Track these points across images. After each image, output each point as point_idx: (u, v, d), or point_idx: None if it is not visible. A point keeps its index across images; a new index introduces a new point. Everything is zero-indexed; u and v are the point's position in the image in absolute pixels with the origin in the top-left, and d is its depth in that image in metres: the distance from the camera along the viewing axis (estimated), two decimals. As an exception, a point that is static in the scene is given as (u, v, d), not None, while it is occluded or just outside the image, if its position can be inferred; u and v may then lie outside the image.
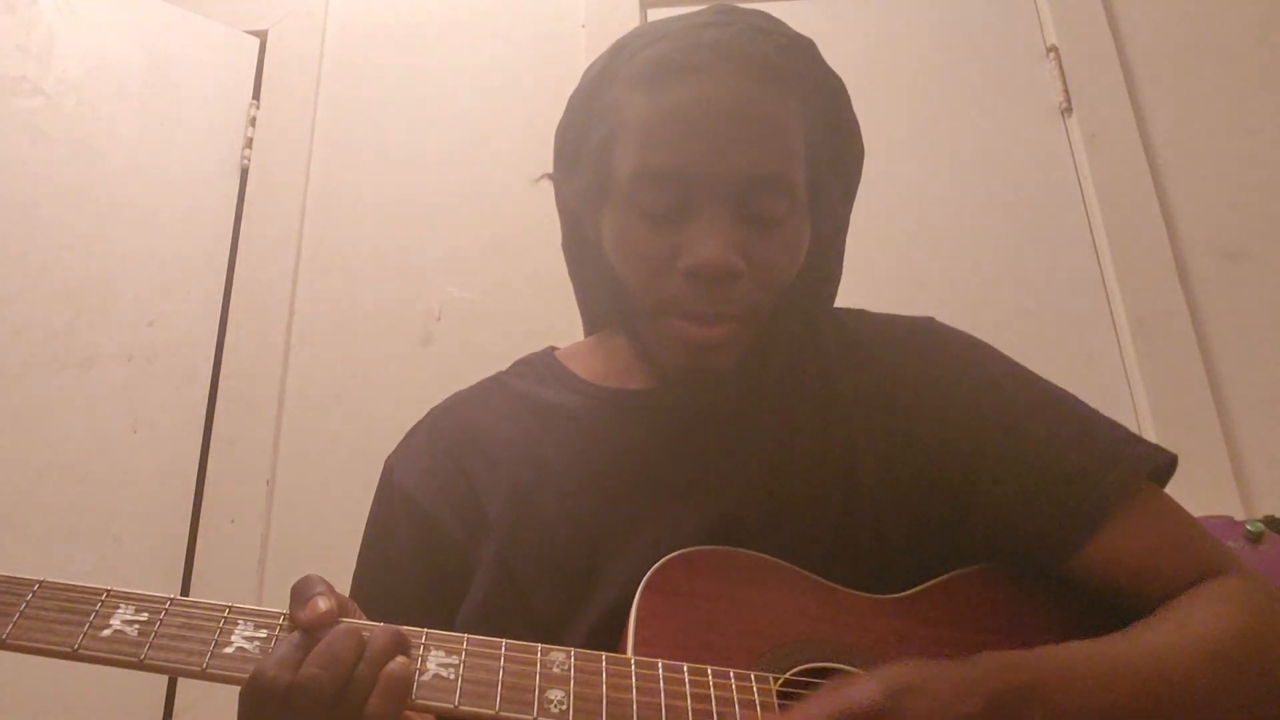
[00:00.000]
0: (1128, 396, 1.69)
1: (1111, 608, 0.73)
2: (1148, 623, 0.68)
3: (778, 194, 0.74)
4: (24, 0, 1.80)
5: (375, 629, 0.61)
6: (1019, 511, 0.75)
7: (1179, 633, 0.66)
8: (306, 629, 0.60)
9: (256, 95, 2.05)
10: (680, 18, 0.79)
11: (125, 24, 1.92)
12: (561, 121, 0.84)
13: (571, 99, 0.83)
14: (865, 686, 0.58)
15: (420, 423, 0.90)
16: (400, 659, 0.59)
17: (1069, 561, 0.74)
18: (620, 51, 0.79)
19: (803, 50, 0.79)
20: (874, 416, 0.80)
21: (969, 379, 0.81)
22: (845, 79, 0.82)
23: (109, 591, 0.61)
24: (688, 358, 0.76)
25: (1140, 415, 1.67)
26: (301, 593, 0.62)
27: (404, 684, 0.59)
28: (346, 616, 0.63)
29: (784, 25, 0.80)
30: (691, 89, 0.73)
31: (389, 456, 0.88)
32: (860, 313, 0.89)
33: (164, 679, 1.62)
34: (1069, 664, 0.62)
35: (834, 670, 0.68)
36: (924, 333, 0.86)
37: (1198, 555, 0.73)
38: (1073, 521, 0.73)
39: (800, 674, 0.67)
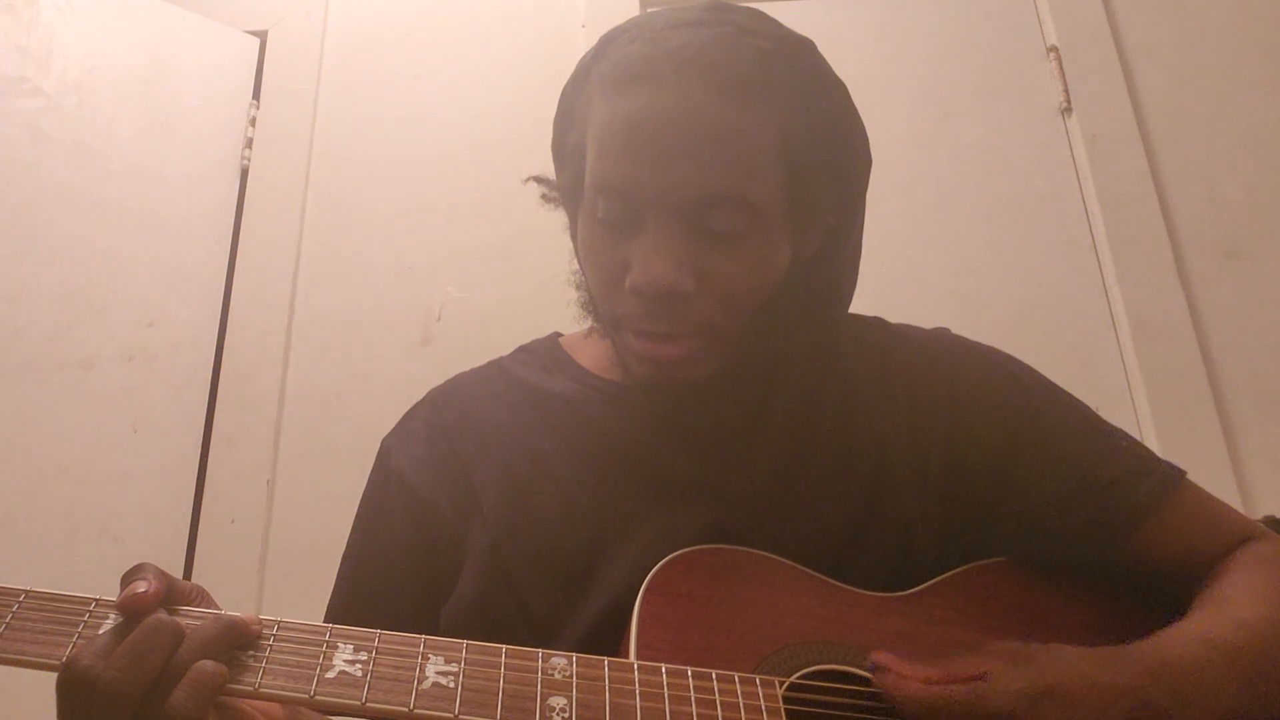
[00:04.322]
0: (1128, 396, 1.69)
1: (1120, 598, 0.76)
2: (1218, 595, 0.72)
3: (733, 212, 0.71)
4: (24, 0, 1.80)
5: (205, 619, 0.60)
6: (1055, 517, 0.77)
7: (1250, 603, 0.69)
8: (122, 612, 0.58)
9: (256, 95, 2.05)
10: (669, 13, 0.75)
11: (125, 24, 1.92)
12: (555, 114, 0.82)
13: (562, 91, 0.81)
14: (1005, 689, 0.59)
15: (419, 404, 0.89)
16: (208, 663, 0.57)
17: (1109, 560, 0.77)
18: (604, 47, 0.76)
19: (789, 55, 0.74)
20: (903, 421, 0.80)
21: (998, 385, 0.82)
22: (845, 79, 0.78)
23: (97, 600, 0.60)
24: (651, 370, 0.75)
25: (1140, 415, 1.67)
26: (126, 578, 0.60)
27: (210, 682, 0.56)
28: (189, 604, 0.61)
29: (775, 26, 0.76)
30: (646, 100, 0.70)
31: (386, 438, 0.87)
32: (878, 321, 0.89)
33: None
34: (1193, 655, 0.64)
35: (840, 673, 0.67)
36: (947, 341, 0.86)
37: (1228, 529, 0.78)
38: (1111, 527, 0.76)
39: (806, 676, 0.66)
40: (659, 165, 0.70)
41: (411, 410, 0.89)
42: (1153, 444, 1.62)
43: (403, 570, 0.80)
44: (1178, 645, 0.65)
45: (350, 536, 0.86)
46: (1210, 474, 1.56)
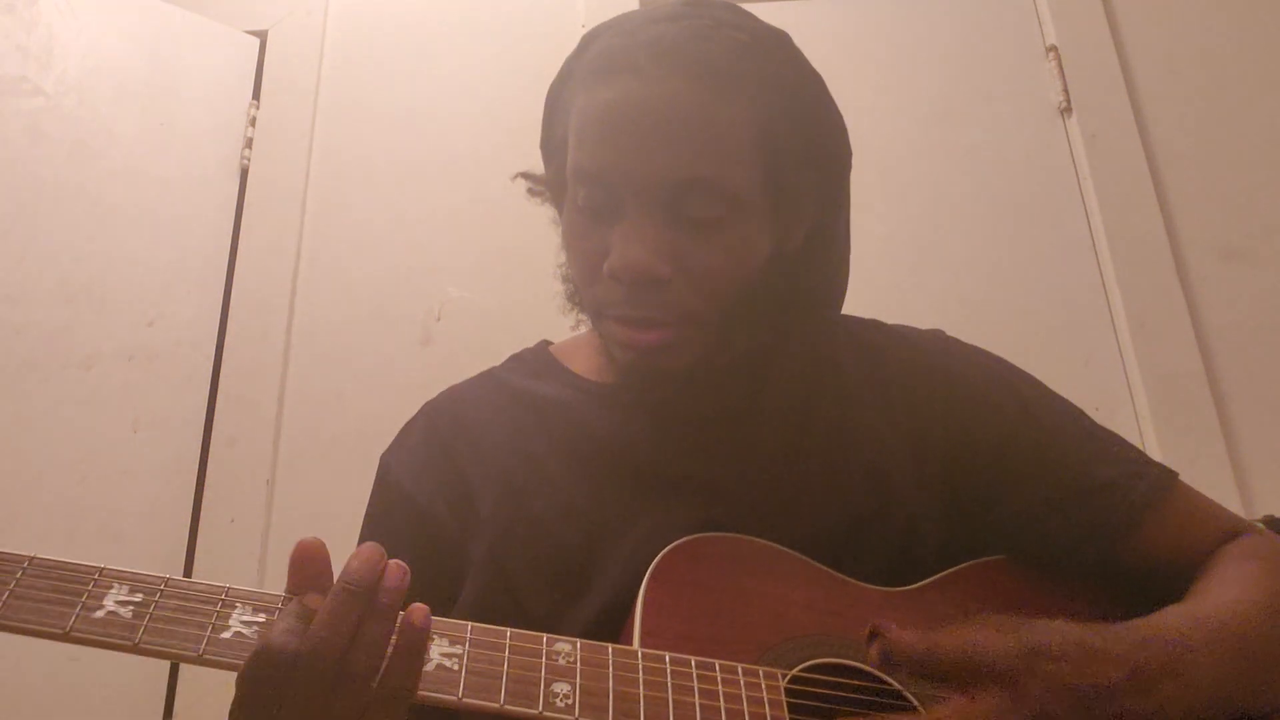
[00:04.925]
0: (1128, 396, 1.69)
1: (1120, 596, 0.76)
2: (1208, 584, 0.73)
3: (710, 198, 0.72)
4: (24, 0, 1.80)
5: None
6: (1052, 518, 0.78)
7: (1240, 589, 0.70)
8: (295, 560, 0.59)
9: (256, 95, 2.05)
10: (648, 10, 0.77)
11: (125, 24, 1.92)
12: (543, 112, 0.84)
13: (549, 89, 0.83)
14: (1001, 642, 0.59)
15: (415, 418, 0.89)
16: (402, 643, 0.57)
17: (1106, 561, 0.78)
18: (587, 44, 0.79)
19: (766, 48, 0.76)
20: (900, 420, 0.80)
21: (993, 388, 0.83)
22: (845, 79, 0.80)
23: (102, 570, 0.59)
24: (634, 358, 0.76)
25: (1140, 415, 1.67)
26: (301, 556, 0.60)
27: (414, 652, 0.57)
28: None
29: (751, 20, 0.78)
30: (623, 89, 0.72)
31: (384, 454, 0.88)
32: (873, 322, 0.90)
33: (165, 672, 1.62)
34: (1181, 632, 0.65)
35: (842, 666, 0.68)
36: (941, 342, 0.87)
37: (1220, 528, 0.79)
38: (1108, 528, 0.77)
39: (809, 669, 0.66)
40: (636, 151, 0.71)
41: (407, 424, 0.89)
42: (1152, 444, 1.62)
43: (411, 582, 0.80)
44: (1164, 623, 0.66)
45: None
46: (1210, 474, 1.56)
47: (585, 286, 0.78)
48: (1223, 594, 0.70)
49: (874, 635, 0.63)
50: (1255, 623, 0.67)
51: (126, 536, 1.66)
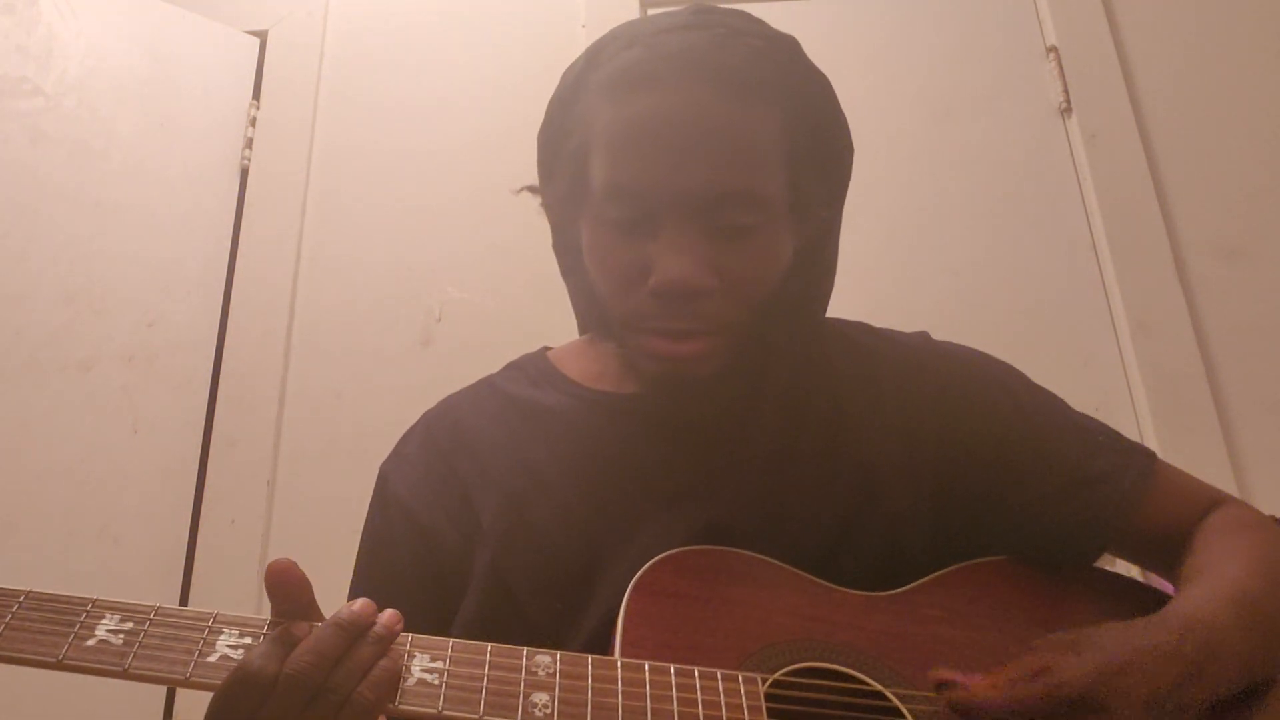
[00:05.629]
0: (1128, 396, 1.69)
1: (1105, 596, 0.79)
2: (1212, 560, 0.75)
3: (745, 207, 0.73)
4: (24, 0, 1.80)
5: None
6: (1048, 513, 0.79)
7: (1244, 563, 0.73)
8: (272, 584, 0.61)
9: (256, 95, 2.05)
10: (655, 19, 0.77)
11: (125, 24, 1.92)
12: (542, 125, 0.83)
13: (550, 103, 0.82)
14: (1073, 676, 0.61)
15: (413, 428, 0.89)
16: (384, 662, 0.59)
17: (1102, 551, 0.80)
18: (595, 56, 0.78)
19: (779, 53, 0.77)
20: (892, 420, 0.81)
21: (984, 386, 0.84)
22: (845, 79, 0.80)
23: (94, 601, 0.61)
24: (664, 368, 0.76)
25: (1140, 415, 1.67)
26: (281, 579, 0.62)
27: (392, 676, 0.59)
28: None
29: (762, 25, 0.78)
30: (654, 102, 0.72)
31: (383, 464, 0.88)
32: (862, 325, 0.90)
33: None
34: (1213, 613, 0.67)
35: (825, 670, 0.68)
36: (929, 344, 0.88)
37: (1198, 500, 0.82)
38: (1103, 521, 0.79)
39: (792, 674, 0.67)
40: (672, 166, 0.72)
41: (406, 435, 0.89)
42: (1152, 444, 1.61)
43: (411, 595, 0.80)
44: (1195, 608, 0.68)
45: (356, 565, 0.86)
46: (1210, 474, 1.53)
47: (618, 300, 0.77)
48: (1227, 569, 0.72)
49: (943, 685, 0.63)
50: (1265, 594, 0.70)
51: (126, 538, 1.66)
